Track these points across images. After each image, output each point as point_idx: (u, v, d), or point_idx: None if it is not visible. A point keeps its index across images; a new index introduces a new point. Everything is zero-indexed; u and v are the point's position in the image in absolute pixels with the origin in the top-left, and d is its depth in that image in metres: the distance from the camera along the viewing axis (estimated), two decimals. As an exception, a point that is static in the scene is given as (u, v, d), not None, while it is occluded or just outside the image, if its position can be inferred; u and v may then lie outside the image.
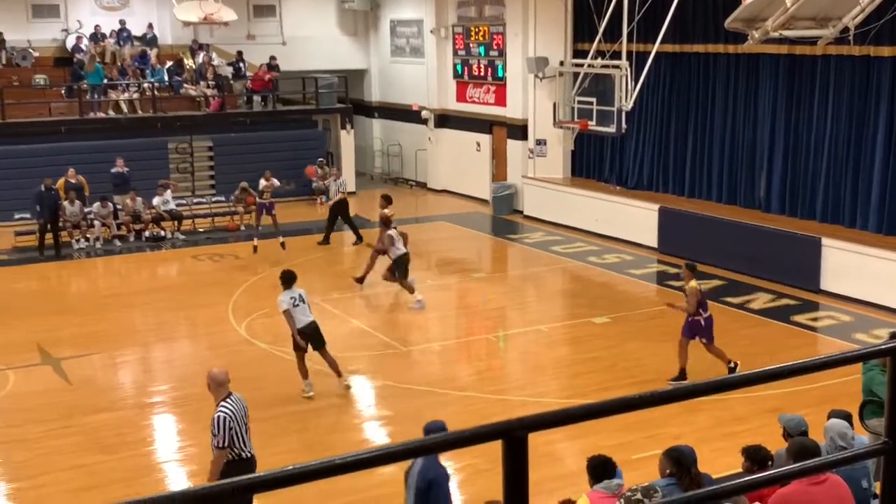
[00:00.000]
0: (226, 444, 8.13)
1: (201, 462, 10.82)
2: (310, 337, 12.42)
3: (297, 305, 12.22)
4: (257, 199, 20.72)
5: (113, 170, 22.36)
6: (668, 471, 6.62)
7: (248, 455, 8.35)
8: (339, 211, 21.37)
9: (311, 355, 12.64)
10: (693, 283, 12.60)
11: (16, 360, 13.96)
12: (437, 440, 2.49)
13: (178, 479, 10.59)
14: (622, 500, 5.96)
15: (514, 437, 2.65)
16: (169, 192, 22.55)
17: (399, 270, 16.62)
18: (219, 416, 8.13)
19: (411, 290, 16.65)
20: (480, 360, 14.67)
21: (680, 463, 6.54)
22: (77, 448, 11.08)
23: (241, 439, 8.26)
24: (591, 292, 17.90)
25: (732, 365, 12.77)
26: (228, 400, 8.26)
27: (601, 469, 6.65)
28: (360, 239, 21.18)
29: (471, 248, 22.07)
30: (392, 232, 16.59)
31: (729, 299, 16.87)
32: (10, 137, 23.34)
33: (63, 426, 11.73)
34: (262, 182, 20.81)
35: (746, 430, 10.49)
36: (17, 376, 13.41)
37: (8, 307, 16.75)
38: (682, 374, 12.71)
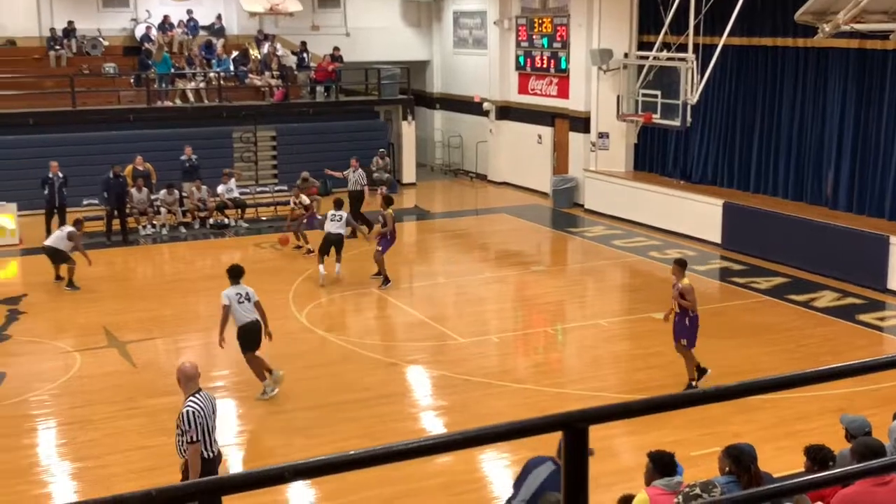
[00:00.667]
0: (198, 437, 8.00)
1: (256, 447, 10.99)
2: (247, 336, 11.93)
3: (242, 303, 11.84)
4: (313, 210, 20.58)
5: (181, 157, 22.73)
6: (727, 468, 6.54)
7: (212, 454, 8.19)
8: (354, 202, 21.35)
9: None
10: (685, 279, 12.22)
11: (83, 342, 14.28)
12: (500, 430, 2.48)
13: (234, 465, 10.74)
14: (681, 496, 5.89)
15: (575, 428, 2.63)
16: (233, 180, 22.85)
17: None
18: (187, 411, 8.00)
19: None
20: (538, 354, 14.63)
21: (739, 461, 6.45)
22: (141, 429, 11.30)
23: (209, 435, 8.12)
24: (652, 287, 17.71)
25: (694, 384, 12.18)
26: (198, 395, 8.15)
27: (664, 465, 6.58)
28: (368, 230, 21.10)
29: (530, 241, 21.99)
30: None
31: (793, 297, 16.59)
32: (81, 125, 23.83)
33: (127, 408, 11.98)
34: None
35: (809, 429, 10.31)
36: (84, 358, 13.71)
37: (77, 292, 17.13)
38: (701, 370, 12.39)
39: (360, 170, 21.83)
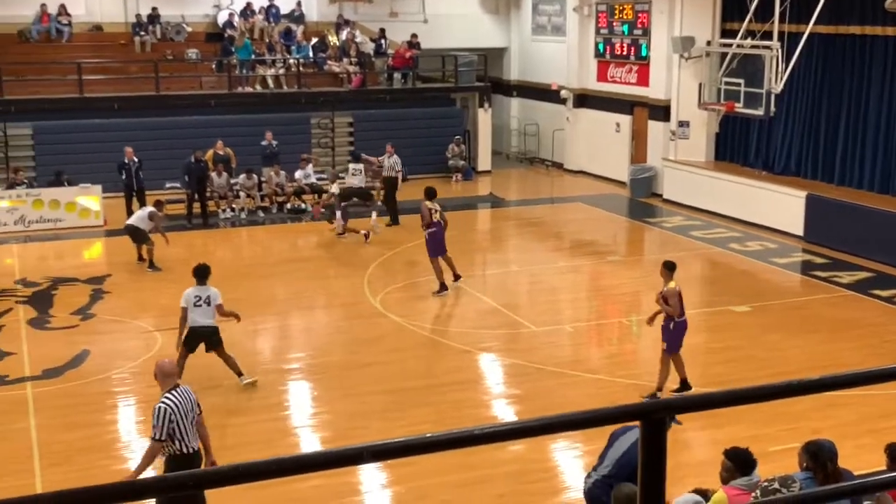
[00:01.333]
0: (162, 436, 7.84)
1: (335, 429, 11.11)
2: (190, 337, 11.73)
3: (199, 306, 11.60)
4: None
5: (262, 143, 23.06)
6: (805, 464, 6.40)
7: (192, 450, 8.05)
8: (388, 188, 21.32)
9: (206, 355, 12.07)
10: (672, 283, 11.65)
11: (164, 322, 14.58)
12: (577, 418, 2.46)
13: (311, 444, 10.89)
14: (759, 491, 5.79)
15: (653, 418, 2.59)
16: (310, 166, 23.10)
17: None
18: (159, 407, 7.87)
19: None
20: (612, 344, 14.50)
21: (817, 457, 6.31)
22: (218, 409, 11.50)
23: (184, 433, 7.95)
24: (731, 280, 17.42)
25: (656, 393, 11.52)
26: (174, 392, 8.00)
27: (743, 462, 6.47)
28: (395, 222, 21.07)
29: (606, 231, 21.78)
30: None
31: (877, 292, 16.15)
32: (163, 109, 24.33)
33: (205, 388, 12.17)
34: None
35: (892, 427, 10.04)
36: (164, 338, 14.01)
37: (159, 272, 17.52)
38: (685, 385, 11.71)
39: (395, 156, 21.86)
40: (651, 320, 12.18)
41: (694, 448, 10.23)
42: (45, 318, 14.89)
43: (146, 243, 17.68)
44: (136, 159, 20.97)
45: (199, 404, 8.23)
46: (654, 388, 11.66)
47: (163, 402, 7.89)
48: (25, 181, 21.25)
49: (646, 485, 2.63)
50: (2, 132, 23.02)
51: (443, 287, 15.99)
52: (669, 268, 11.91)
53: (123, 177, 20.96)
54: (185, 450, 7.96)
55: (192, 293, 11.72)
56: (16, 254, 19.00)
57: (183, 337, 11.70)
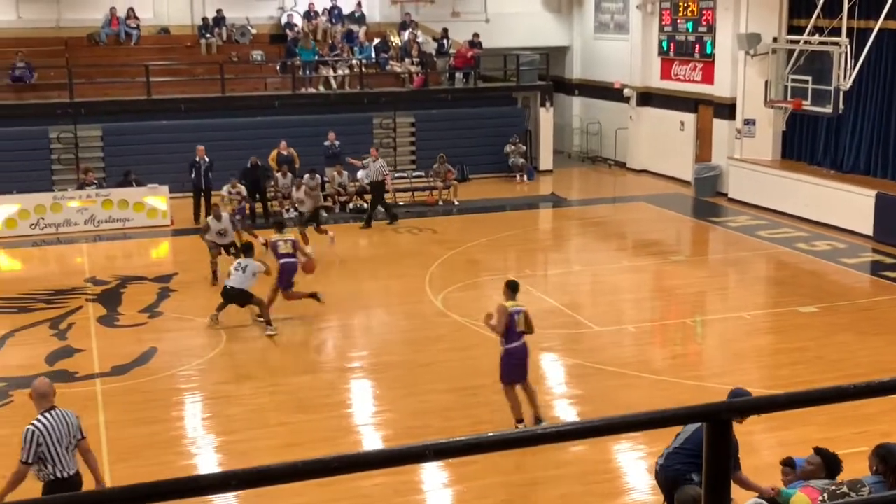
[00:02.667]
0: (30, 459, 7.48)
1: (396, 428, 11.16)
2: (232, 298, 14.14)
3: (238, 271, 14.09)
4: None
5: (325, 143, 23.26)
6: (875, 468, 6.27)
7: (68, 475, 7.63)
8: (375, 192, 21.26)
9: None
10: (509, 302, 10.58)
11: (227, 320, 14.80)
12: (642, 418, 2.44)
13: (373, 443, 10.95)
14: (826, 494, 5.69)
15: (719, 419, 2.56)
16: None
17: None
18: (27, 430, 7.52)
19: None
20: (676, 345, 14.32)
21: (887, 461, 6.19)
22: (282, 406, 11.66)
23: (57, 458, 7.56)
24: (798, 280, 17.10)
25: (518, 424, 10.54)
26: (48, 414, 7.60)
27: (833, 464, 6.41)
28: (393, 220, 21.16)
29: (670, 231, 21.54)
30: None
31: (952, 294, 15.72)
32: (229, 110, 24.68)
33: (269, 385, 12.37)
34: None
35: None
36: (229, 336, 14.23)
37: (223, 271, 17.75)
38: (538, 420, 10.79)
39: (380, 160, 21.80)
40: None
41: (761, 451, 10.06)
42: (114, 315, 15.20)
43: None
44: (206, 158, 21.31)
45: (81, 430, 7.81)
46: (516, 421, 10.61)
47: (32, 424, 7.55)
48: (95, 181, 21.73)
49: (711, 486, 2.60)
50: (73, 133, 23.57)
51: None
52: (511, 287, 10.78)
53: (192, 175, 21.31)
54: (59, 474, 7.57)
55: (234, 263, 14.35)
56: (86, 253, 19.44)
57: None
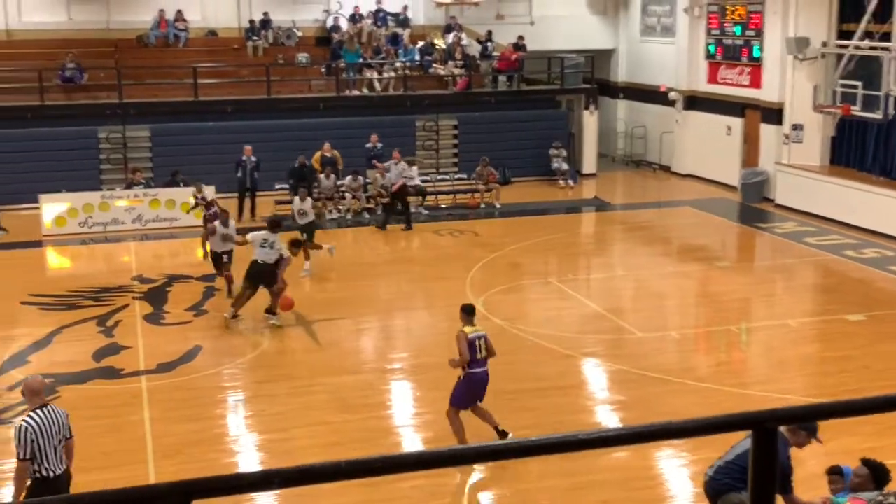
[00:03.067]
0: (27, 455, 7.50)
1: (437, 429, 11.15)
2: (261, 274, 14.13)
3: (264, 247, 14.08)
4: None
5: (367, 145, 23.36)
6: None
7: (53, 474, 7.61)
8: (400, 195, 21.19)
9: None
10: (468, 327, 10.20)
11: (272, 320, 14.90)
12: (688, 425, 2.41)
13: (413, 444, 10.95)
14: (870, 502, 5.59)
15: (764, 428, 2.52)
16: (415, 168, 23.31)
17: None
18: (20, 427, 7.54)
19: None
20: (720, 352, 14.18)
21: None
22: (324, 406, 11.71)
23: (45, 456, 7.56)
24: (846, 288, 16.84)
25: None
26: (39, 411, 7.64)
27: (881, 475, 6.31)
28: (408, 226, 21.07)
29: (715, 236, 21.33)
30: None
31: None
32: (274, 112, 24.87)
33: (311, 384, 12.44)
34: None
35: None
36: (272, 335, 14.33)
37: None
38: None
39: (402, 162, 21.74)
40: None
41: (806, 460, 9.91)
42: (160, 313, 15.38)
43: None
44: (253, 158, 21.54)
45: (70, 429, 7.82)
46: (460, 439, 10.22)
47: (24, 421, 7.57)
48: (143, 181, 22.02)
49: (756, 496, 2.56)
50: (121, 134, 23.90)
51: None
52: (466, 311, 10.44)
53: (238, 174, 21.53)
54: (45, 473, 7.59)
55: (260, 235, 14.34)
56: (133, 251, 19.70)
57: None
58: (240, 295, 14.62)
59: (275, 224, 14.77)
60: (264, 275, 14.27)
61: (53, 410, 7.75)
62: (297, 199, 18.65)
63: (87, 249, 20.18)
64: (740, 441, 7.33)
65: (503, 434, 10.34)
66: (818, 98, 20.95)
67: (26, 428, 7.53)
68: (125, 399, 12.04)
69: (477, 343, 10.18)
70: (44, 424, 7.58)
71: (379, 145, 23.41)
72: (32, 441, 7.51)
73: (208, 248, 16.73)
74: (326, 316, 15.12)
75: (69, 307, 15.71)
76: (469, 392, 10.23)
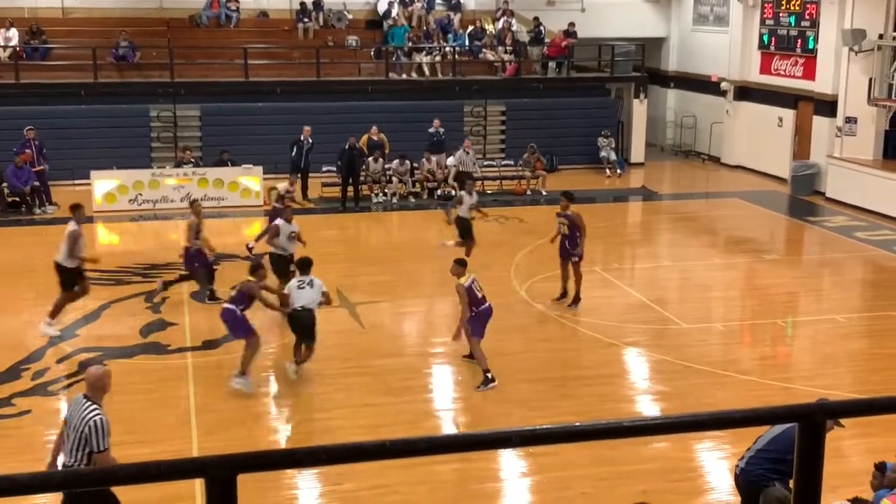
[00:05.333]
0: (107, 446, 7.28)
1: (477, 415, 11.19)
2: (298, 320, 11.88)
3: (303, 288, 11.89)
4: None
5: (429, 130, 23.41)
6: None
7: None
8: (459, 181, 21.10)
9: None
10: (462, 279, 11.83)
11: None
12: (734, 416, 2.39)
13: (453, 428, 10.99)
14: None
15: (812, 421, 2.50)
16: (461, 152, 23.32)
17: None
18: (104, 419, 7.30)
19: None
20: (766, 346, 14.03)
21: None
22: (367, 388, 11.79)
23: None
24: (896, 284, 16.57)
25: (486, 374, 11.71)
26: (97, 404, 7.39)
27: None
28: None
29: (764, 229, 21.07)
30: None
31: None
32: (323, 94, 24.98)
33: (355, 366, 12.51)
34: None
35: None
36: (318, 316, 14.41)
37: (313, 252, 17.98)
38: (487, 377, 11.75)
39: (459, 151, 21.65)
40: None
41: (850, 457, 9.81)
42: (206, 291, 15.54)
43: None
44: (310, 140, 21.71)
45: (89, 437, 7.33)
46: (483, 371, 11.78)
47: (100, 411, 7.33)
48: (192, 160, 22.25)
49: (801, 491, 2.54)
50: (172, 113, 24.16)
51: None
52: (459, 263, 12.17)
53: (294, 154, 21.69)
54: (65, 458, 7.55)
55: (295, 282, 12.09)
56: (181, 229, 19.92)
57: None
58: (297, 346, 12.30)
59: (305, 265, 12.30)
60: (310, 324, 12.06)
61: (86, 408, 7.34)
62: (464, 193, 17.21)
63: (136, 226, 20.46)
64: (769, 429, 7.29)
65: (487, 375, 11.76)
66: (873, 91, 20.58)
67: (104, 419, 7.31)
68: (170, 374, 12.21)
69: (474, 286, 11.90)
70: (73, 412, 7.42)
71: (441, 130, 23.44)
72: (67, 419, 7.45)
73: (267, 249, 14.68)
74: (371, 299, 15.20)
75: (118, 282, 15.95)
76: (482, 324, 11.90)
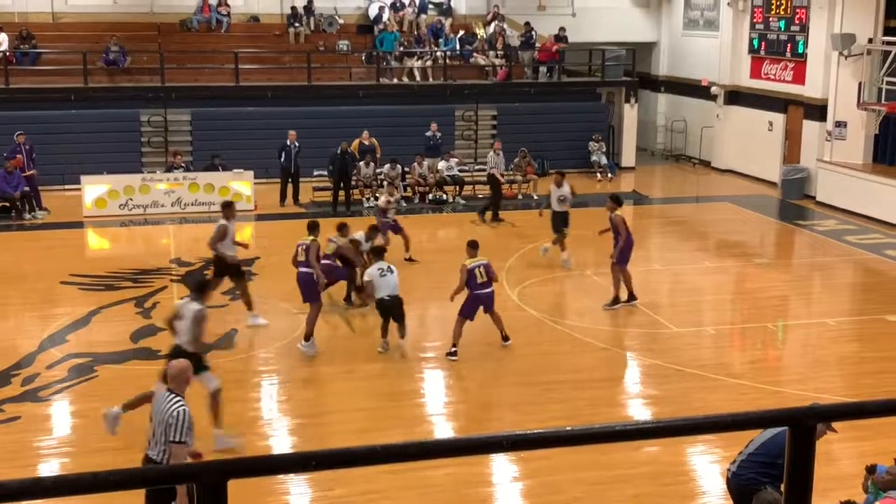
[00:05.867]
0: (183, 438, 7.51)
1: (468, 419, 11.19)
2: (391, 309, 12.85)
3: (384, 276, 12.77)
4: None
5: (426, 133, 23.42)
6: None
7: (150, 457, 7.75)
8: (495, 186, 21.17)
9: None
10: (467, 261, 12.80)
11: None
12: (723, 420, 2.40)
13: (445, 432, 10.98)
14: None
15: (802, 425, 2.51)
16: (454, 159, 23.38)
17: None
18: (187, 410, 7.57)
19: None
20: (756, 349, 14.06)
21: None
22: (358, 392, 11.77)
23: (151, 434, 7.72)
24: (886, 287, 16.62)
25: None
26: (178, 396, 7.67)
27: None
28: (491, 217, 20.83)
29: (754, 232, 21.12)
30: None
31: None
32: (314, 99, 24.97)
33: (345, 371, 12.50)
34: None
35: None
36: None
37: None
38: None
39: (500, 154, 21.67)
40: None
41: (841, 460, 9.83)
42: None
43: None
44: (296, 143, 21.73)
45: (171, 427, 7.53)
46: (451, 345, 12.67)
47: (183, 403, 7.58)
48: (183, 165, 22.21)
49: (792, 494, 2.54)
50: (163, 117, 24.12)
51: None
52: (471, 245, 13.14)
53: (282, 159, 21.71)
54: (148, 450, 7.77)
55: (375, 268, 12.91)
56: (171, 234, 19.89)
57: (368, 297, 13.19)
58: (384, 327, 13.03)
59: (380, 252, 13.27)
60: (397, 305, 12.91)
61: (170, 400, 7.59)
62: (553, 185, 17.54)
63: (126, 231, 20.41)
64: (760, 433, 7.30)
65: (506, 338, 13.01)
66: (863, 95, 20.66)
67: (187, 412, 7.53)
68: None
69: (476, 271, 12.70)
70: (157, 405, 7.68)
71: (438, 134, 23.46)
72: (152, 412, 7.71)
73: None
74: (361, 303, 15.15)
75: (108, 288, 15.90)
76: (473, 307, 12.75)
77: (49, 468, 9.92)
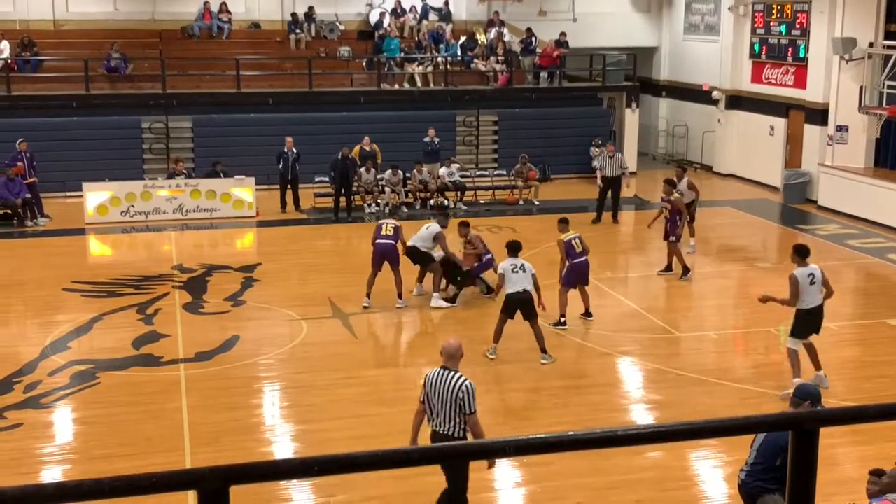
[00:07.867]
0: (421, 398, 8.33)
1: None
2: (520, 305, 12.70)
3: (516, 272, 12.71)
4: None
5: (424, 139, 23.44)
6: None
7: (443, 432, 8.25)
8: (613, 186, 21.33)
9: (521, 323, 12.92)
10: (562, 235, 14.10)
11: (310, 311, 15.01)
12: (726, 424, 2.40)
13: (447, 439, 10.96)
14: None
15: (805, 429, 2.50)
16: (455, 165, 23.38)
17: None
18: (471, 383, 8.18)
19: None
20: (759, 354, 14.04)
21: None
22: (359, 398, 11.76)
23: (434, 412, 8.23)
24: (889, 292, 16.60)
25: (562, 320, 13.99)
26: (439, 370, 8.30)
27: None
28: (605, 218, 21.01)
29: (756, 237, 21.11)
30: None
31: None
32: (315, 105, 25.00)
33: (348, 377, 12.49)
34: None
35: None
36: (310, 327, 14.42)
37: (306, 263, 18.03)
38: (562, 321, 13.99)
39: (618, 154, 21.73)
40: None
41: (843, 464, 9.82)
42: (199, 303, 15.53)
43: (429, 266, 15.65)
44: (294, 150, 21.75)
45: (467, 404, 8.07)
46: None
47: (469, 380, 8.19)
48: (185, 171, 22.24)
49: (795, 499, 2.54)
50: (164, 124, 24.15)
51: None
52: (562, 221, 14.59)
53: (280, 166, 21.75)
54: (436, 427, 8.24)
55: (508, 263, 12.84)
56: (173, 241, 19.91)
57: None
58: (499, 329, 13.02)
59: (515, 248, 13.05)
60: (531, 304, 12.81)
61: (448, 376, 8.12)
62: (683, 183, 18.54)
63: (128, 238, 20.42)
64: (757, 437, 7.31)
65: (588, 314, 14.50)
66: (864, 99, 20.67)
67: (426, 375, 8.33)
68: (163, 386, 12.18)
69: (573, 242, 14.13)
70: (433, 382, 8.14)
71: (436, 140, 23.48)
72: (424, 389, 8.23)
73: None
74: (363, 309, 15.17)
75: (110, 294, 15.91)
76: (573, 276, 14.11)
77: (51, 475, 9.92)
